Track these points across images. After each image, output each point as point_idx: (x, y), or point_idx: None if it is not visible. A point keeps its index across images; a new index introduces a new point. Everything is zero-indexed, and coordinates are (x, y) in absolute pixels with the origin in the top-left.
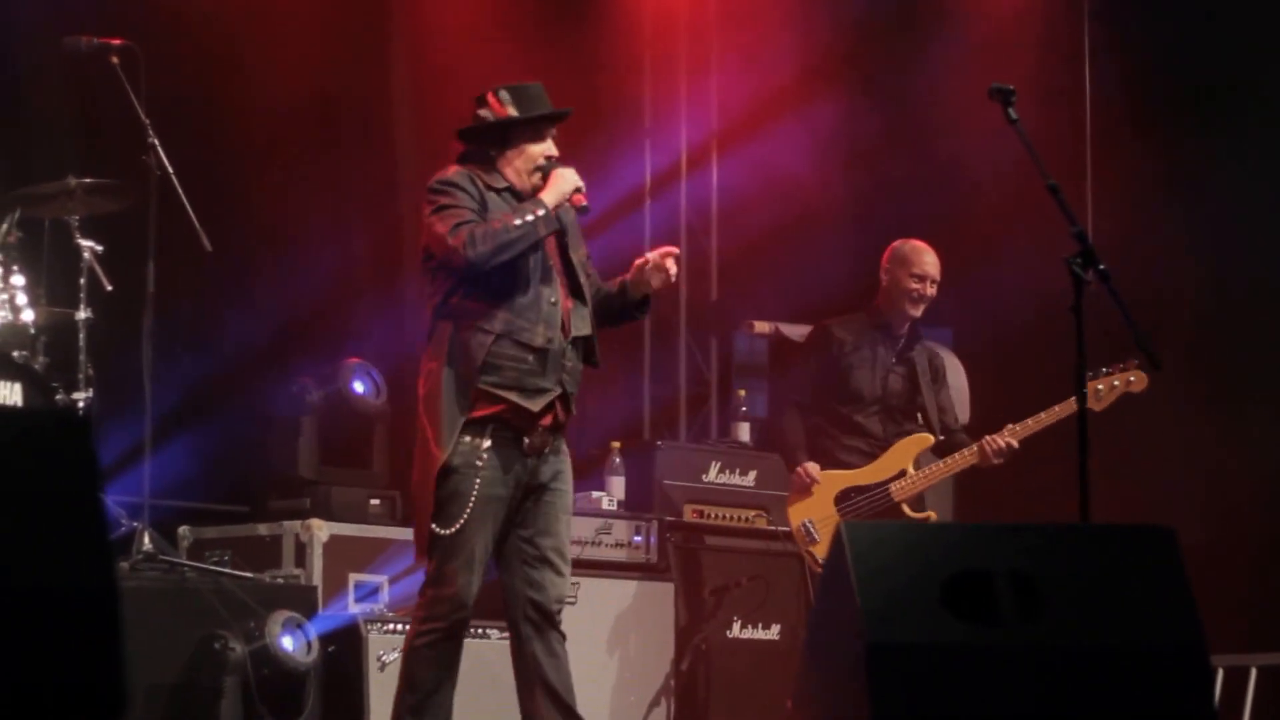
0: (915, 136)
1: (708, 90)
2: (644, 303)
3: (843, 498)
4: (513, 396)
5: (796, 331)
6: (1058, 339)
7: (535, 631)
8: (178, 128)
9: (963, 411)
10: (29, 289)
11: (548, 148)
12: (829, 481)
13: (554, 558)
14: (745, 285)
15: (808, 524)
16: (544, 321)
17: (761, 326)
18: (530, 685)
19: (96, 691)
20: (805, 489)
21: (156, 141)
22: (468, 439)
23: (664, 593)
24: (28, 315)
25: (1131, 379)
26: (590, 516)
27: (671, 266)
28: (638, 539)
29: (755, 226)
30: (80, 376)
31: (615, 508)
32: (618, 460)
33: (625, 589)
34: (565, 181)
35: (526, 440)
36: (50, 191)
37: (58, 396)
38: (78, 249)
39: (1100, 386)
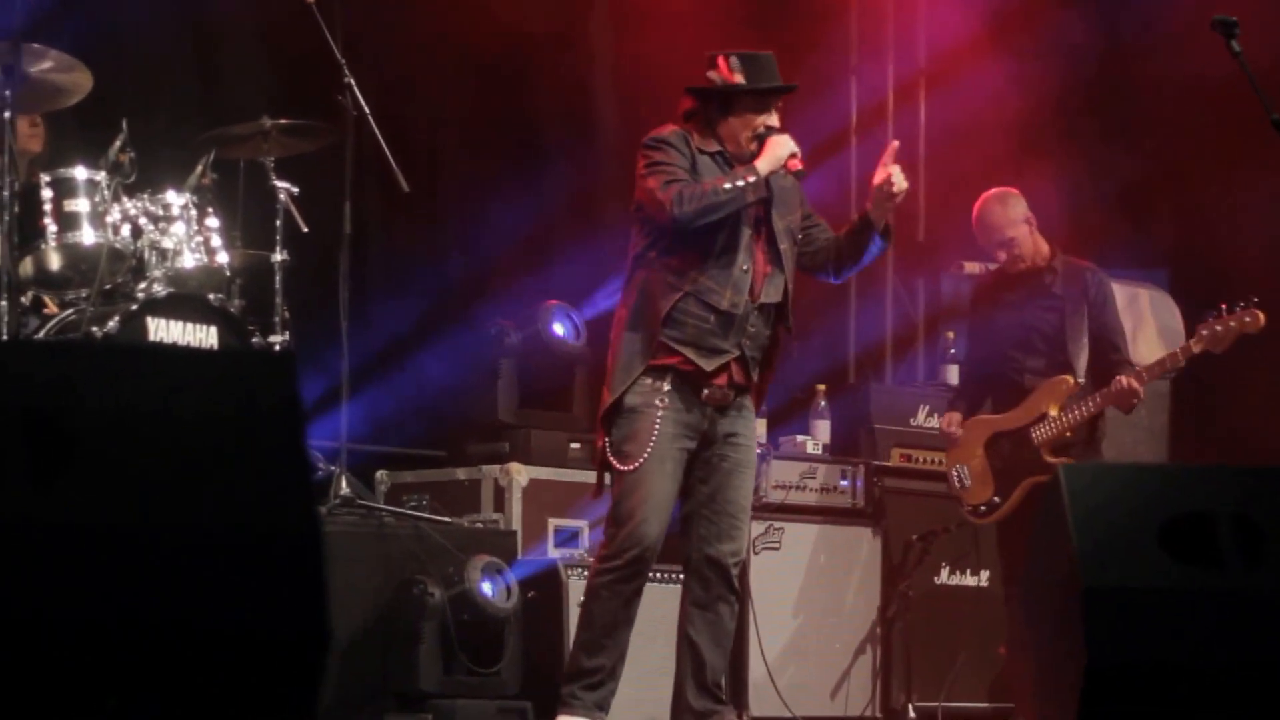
0: (1132, 71)
1: (915, 26)
2: (887, 232)
3: (991, 443)
4: (689, 352)
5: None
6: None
7: (703, 588)
8: (372, 67)
9: None
10: (224, 231)
11: (770, 119)
12: (979, 427)
13: (733, 511)
14: (953, 225)
15: (958, 470)
16: (732, 286)
17: (971, 267)
18: (680, 638)
19: (301, 633)
20: (954, 440)
21: (352, 81)
22: (648, 381)
23: (871, 538)
24: (223, 258)
25: (1247, 319)
26: (796, 460)
27: (897, 179)
28: (844, 483)
29: (964, 165)
30: (276, 319)
31: (821, 451)
32: (823, 403)
33: (831, 534)
34: (780, 148)
35: (705, 391)
36: (245, 133)
37: (254, 339)
38: (273, 190)
39: (1219, 328)
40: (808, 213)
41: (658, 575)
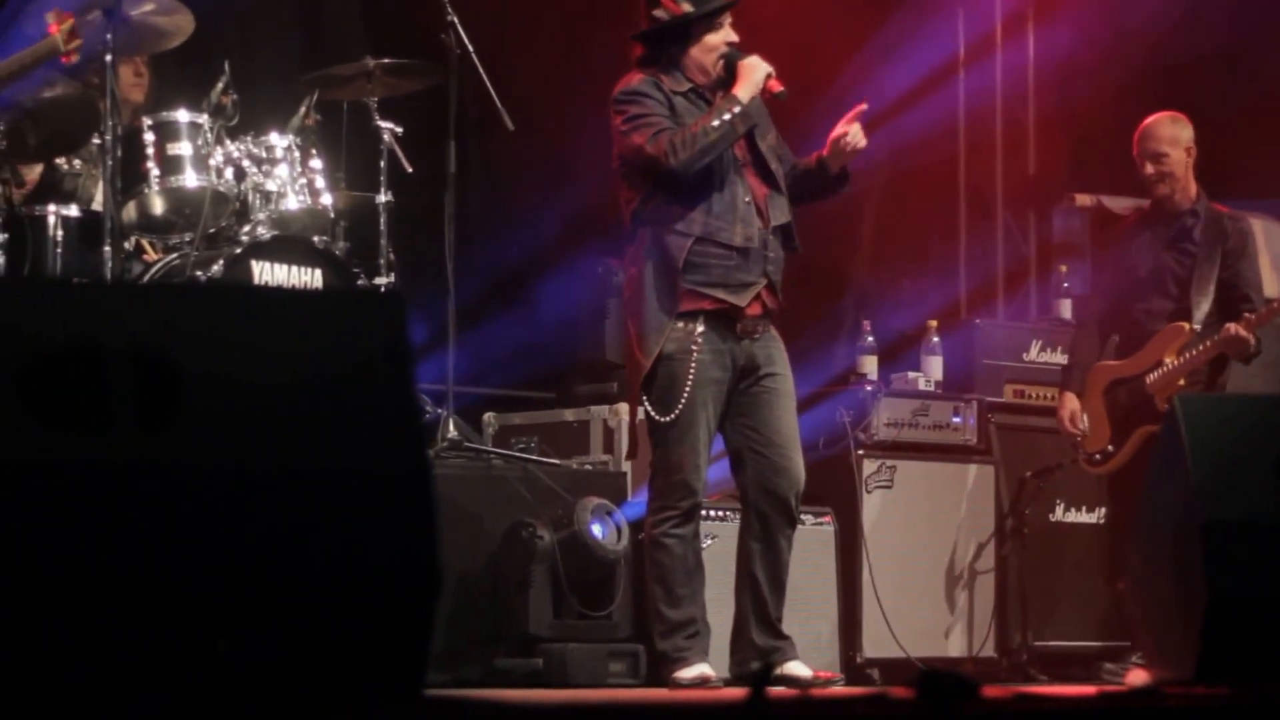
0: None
1: None
2: (843, 176)
3: (1110, 389)
4: (719, 294)
5: (1120, 204)
6: None
7: (761, 523)
8: (475, 4)
9: None
10: (328, 173)
11: (727, 34)
12: (1100, 374)
13: (781, 442)
14: (1064, 159)
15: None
16: (741, 220)
17: (1083, 199)
18: (740, 575)
19: (413, 578)
20: (1077, 435)
21: (456, 19)
22: (681, 325)
23: (985, 475)
24: (327, 199)
25: None
26: (907, 397)
27: (858, 137)
28: (957, 420)
29: (1075, 95)
30: (381, 261)
31: (933, 388)
32: (935, 339)
33: (944, 471)
34: (756, 71)
35: (739, 325)
36: (348, 73)
37: (359, 281)
38: (377, 131)
39: None
40: (778, 135)
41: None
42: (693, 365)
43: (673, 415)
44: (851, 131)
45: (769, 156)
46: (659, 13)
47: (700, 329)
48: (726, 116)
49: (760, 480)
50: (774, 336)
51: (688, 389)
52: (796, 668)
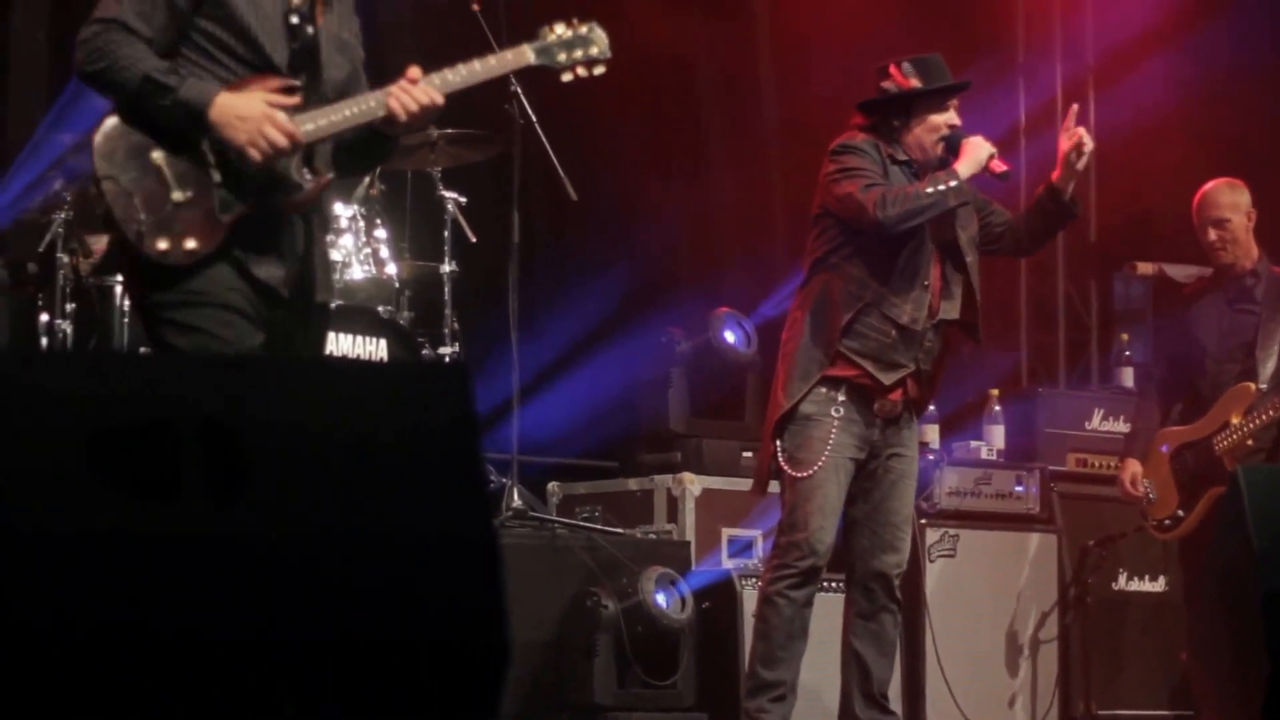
0: None
1: (1083, 24)
2: (1075, 202)
3: (1176, 455)
4: (868, 365)
5: (1181, 272)
6: None
7: (868, 599)
8: (539, 76)
9: None
10: (392, 243)
11: (950, 117)
12: (1165, 440)
13: (896, 522)
14: (1126, 226)
15: (1145, 484)
16: (913, 301)
17: (1144, 268)
18: (846, 652)
19: (482, 647)
20: (1140, 500)
21: (519, 89)
22: (823, 390)
23: (1047, 544)
24: (391, 269)
25: None
26: (970, 466)
27: (1087, 140)
28: (1019, 489)
29: (1136, 165)
30: (446, 330)
31: (995, 457)
32: (996, 408)
33: (1006, 540)
34: (980, 150)
35: (876, 404)
36: (412, 143)
37: (424, 351)
38: (441, 201)
39: None
40: (981, 203)
41: (831, 585)
42: (833, 429)
43: (806, 473)
44: (1084, 135)
45: (966, 249)
46: (887, 84)
47: (841, 398)
48: (942, 186)
49: (868, 556)
50: (910, 420)
51: (827, 451)
52: None
